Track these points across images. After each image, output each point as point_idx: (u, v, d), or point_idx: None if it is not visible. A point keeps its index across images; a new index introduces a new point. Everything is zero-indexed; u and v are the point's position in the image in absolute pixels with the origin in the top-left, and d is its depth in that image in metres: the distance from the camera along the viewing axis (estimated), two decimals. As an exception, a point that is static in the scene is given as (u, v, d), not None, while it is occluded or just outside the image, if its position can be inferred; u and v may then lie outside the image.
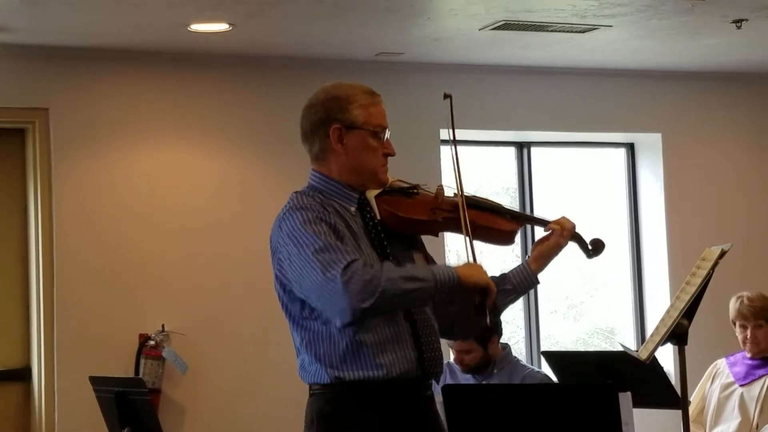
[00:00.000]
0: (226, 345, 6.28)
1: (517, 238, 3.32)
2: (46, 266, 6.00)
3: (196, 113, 6.37)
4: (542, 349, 7.11)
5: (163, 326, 6.12)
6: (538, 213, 3.39)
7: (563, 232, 3.24)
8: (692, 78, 7.38)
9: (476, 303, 2.96)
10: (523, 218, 3.35)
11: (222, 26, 5.73)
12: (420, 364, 3.00)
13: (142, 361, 6.01)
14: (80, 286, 6.04)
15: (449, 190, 3.21)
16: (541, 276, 3.26)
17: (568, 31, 6.10)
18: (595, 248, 3.33)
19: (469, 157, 7.18)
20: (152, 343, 6.04)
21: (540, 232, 3.36)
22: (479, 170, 7.36)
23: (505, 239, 3.25)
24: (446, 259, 6.63)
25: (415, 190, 3.20)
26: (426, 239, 3.25)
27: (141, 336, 6.08)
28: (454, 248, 6.74)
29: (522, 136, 7.27)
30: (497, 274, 3.23)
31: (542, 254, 3.24)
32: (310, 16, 5.61)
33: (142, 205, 6.22)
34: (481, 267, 2.98)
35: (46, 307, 5.99)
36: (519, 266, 3.26)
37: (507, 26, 5.92)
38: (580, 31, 6.11)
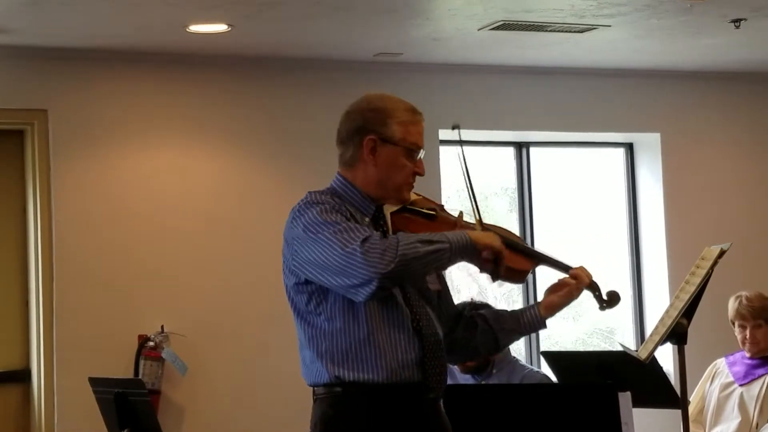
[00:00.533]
0: (225, 346, 6.28)
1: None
2: (46, 267, 6.00)
3: (195, 114, 6.37)
4: (542, 349, 7.10)
5: (162, 327, 6.12)
6: (557, 256, 3.31)
7: (579, 286, 3.21)
8: (691, 78, 7.38)
9: (490, 269, 3.00)
10: (541, 259, 3.25)
11: (221, 27, 5.73)
12: (422, 371, 3.00)
13: (142, 362, 6.00)
14: (79, 288, 6.04)
15: (469, 218, 3.18)
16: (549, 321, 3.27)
17: (566, 31, 6.10)
18: (609, 300, 3.27)
19: (468, 158, 7.17)
20: (152, 344, 6.04)
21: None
22: (478, 171, 7.36)
23: (518, 277, 3.20)
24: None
25: (435, 213, 3.17)
26: None
27: (140, 337, 6.08)
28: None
29: (521, 136, 7.27)
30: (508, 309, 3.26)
31: (555, 304, 3.22)
32: (309, 17, 5.61)
33: (142, 206, 6.21)
34: (493, 234, 3.03)
35: (45, 308, 5.99)
36: (529, 308, 3.24)
37: (506, 26, 5.92)
38: (578, 31, 6.11)
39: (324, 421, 2.98)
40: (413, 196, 3.16)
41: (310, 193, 3.05)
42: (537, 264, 3.24)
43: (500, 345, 3.25)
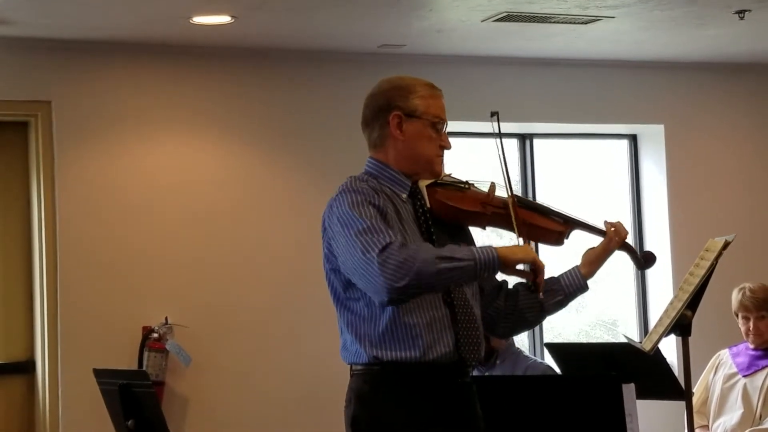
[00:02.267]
0: (229, 337, 6.29)
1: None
2: (50, 259, 6.00)
3: (199, 106, 6.36)
4: (545, 340, 7.11)
5: (166, 319, 6.12)
6: (592, 220, 3.38)
7: (615, 237, 3.29)
8: (695, 69, 7.37)
9: (528, 283, 3.04)
10: (573, 223, 3.34)
11: (224, 18, 5.73)
12: (457, 349, 3.05)
13: (146, 353, 6.01)
14: (83, 279, 6.05)
15: (501, 190, 3.26)
16: (590, 282, 3.30)
17: (570, 23, 6.09)
18: (646, 260, 3.41)
19: (471, 150, 7.18)
20: (156, 335, 6.05)
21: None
22: (481, 162, 7.35)
23: (554, 239, 3.29)
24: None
25: (467, 186, 3.27)
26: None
27: (144, 328, 6.08)
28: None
29: (525, 128, 7.26)
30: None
31: (592, 259, 3.31)
32: (312, 9, 5.60)
33: (146, 198, 6.22)
34: (528, 246, 3.05)
35: (49, 299, 6.00)
36: (569, 270, 3.31)
37: (509, 18, 5.91)
38: (582, 23, 6.10)
39: (359, 396, 3.05)
40: (443, 172, 3.24)
41: (349, 178, 3.11)
42: (571, 227, 3.32)
43: (545, 307, 3.28)
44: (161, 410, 4.79)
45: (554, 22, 6.07)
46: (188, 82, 6.37)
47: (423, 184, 3.20)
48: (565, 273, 3.30)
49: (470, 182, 3.30)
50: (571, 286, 3.28)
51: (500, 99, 6.96)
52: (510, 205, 3.18)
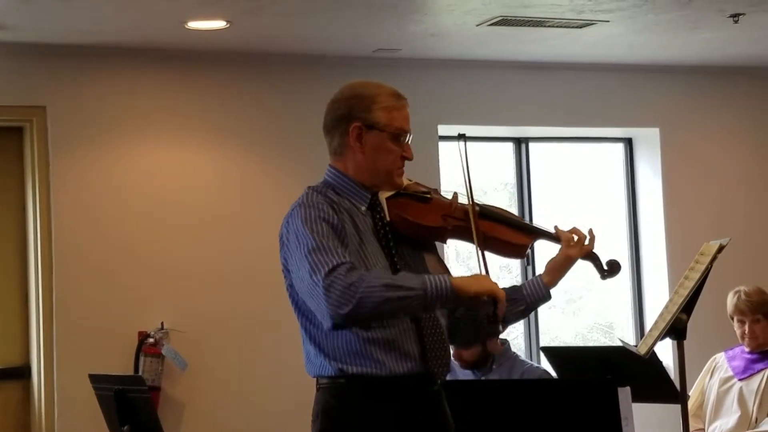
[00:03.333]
0: (225, 342, 6.28)
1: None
2: (45, 264, 6.00)
3: (194, 110, 6.36)
4: (541, 344, 7.11)
5: (162, 324, 6.12)
6: (549, 227, 3.33)
7: (574, 243, 3.24)
8: (690, 72, 7.38)
9: (488, 313, 2.89)
10: (537, 233, 3.29)
11: (219, 23, 5.73)
12: (424, 363, 3.00)
13: (142, 358, 6.01)
14: (79, 284, 6.04)
15: (464, 198, 3.19)
16: (553, 291, 3.26)
17: (565, 27, 6.10)
18: (610, 269, 3.30)
19: (469, 153, 7.17)
20: (151, 340, 6.04)
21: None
22: (477, 166, 7.36)
23: (516, 252, 3.23)
24: (445, 256, 6.63)
25: (429, 195, 3.20)
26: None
27: (140, 333, 6.08)
28: (455, 248, 6.74)
29: (520, 131, 7.27)
30: (508, 286, 3.22)
31: (554, 267, 3.25)
32: (307, 13, 5.61)
33: (141, 203, 6.21)
34: (487, 277, 2.94)
35: (45, 304, 5.99)
36: (532, 279, 3.26)
37: (504, 22, 5.92)
38: (577, 27, 6.11)
39: (326, 411, 3.00)
40: (406, 182, 3.18)
41: (306, 190, 3.06)
42: (534, 238, 3.26)
43: (506, 317, 3.17)
44: (157, 415, 4.79)
45: (549, 26, 6.07)
46: (184, 86, 6.36)
47: (383, 196, 3.13)
48: (528, 282, 3.24)
49: (434, 190, 3.22)
50: (534, 295, 3.22)
51: (495, 103, 6.97)
52: (471, 216, 3.09)
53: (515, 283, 3.24)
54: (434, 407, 3.04)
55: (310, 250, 2.85)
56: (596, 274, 3.32)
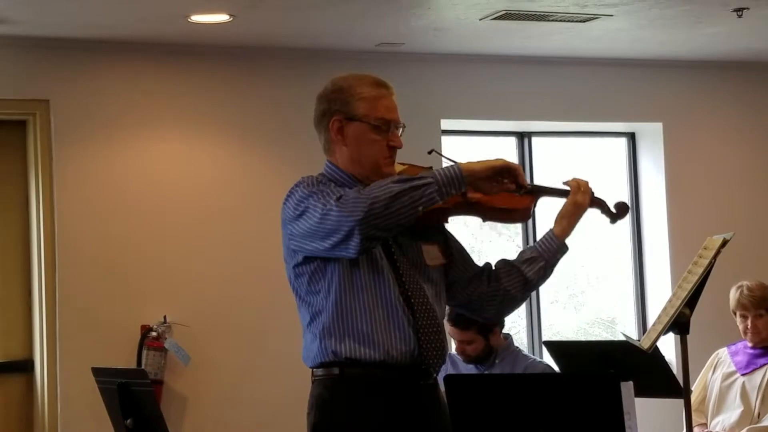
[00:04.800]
0: (228, 336, 6.29)
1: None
2: (48, 258, 6.01)
3: (197, 104, 6.36)
4: (544, 338, 7.11)
5: (165, 317, 6.12)
6: (553, 184, 3.32)
7: (580, 187, 3.21)
8: (693, 67, 7.38)
9: (515, 189, 2.93)
10: (537, 191, 3.24)
11: (222, 17, 5.73)
12: (420, 353, 3.00)
13: (144, 352, 6.02)
14: (82, 278, 6.05)
15: None
16: (569, 242, 3.22)
17: (569, 21, 6.09)
18: (619, 211, 3.30)
19: (470, 148, 7.18)
20: (154, 334, 6.05)
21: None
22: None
23: (521, 216, 3.22)
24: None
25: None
26: None
27: (143, 327, 6.09)
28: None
29: (523, 126, 7.27)
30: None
31: (563, 215, 3.21)
32: (310, 7, 5.60)
33: (144, 196, 6.22)
34: (491, 159, 2.95)
35: (48, 298, 6.00)
36: (543, 235, 3.24)
37: (508, 16, 5.91)
38: (580, 21, 6.11)
39: (319, 404, 3.00)
40: (400, 167, 3.15)
41: (302, 177, 3.09)
42: (536, 196, 3.22)
43: (528, 278, 3.19)
44: (160, 409, 4.79)
45: (552, 21, 6.07)
46: (187, 80, 6.36)
47: None
48: (540, 240, 3.22)
49: (429, 167, 3.17)
50: (549, 250, 3.19)
51: (498, 97, 6.97)
52: (467, 191, 3.03)
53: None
54: (429, 401, 3.05)
55: (317, 198, 2.89)
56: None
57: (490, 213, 3.16)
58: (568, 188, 3.24)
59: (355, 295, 2.97)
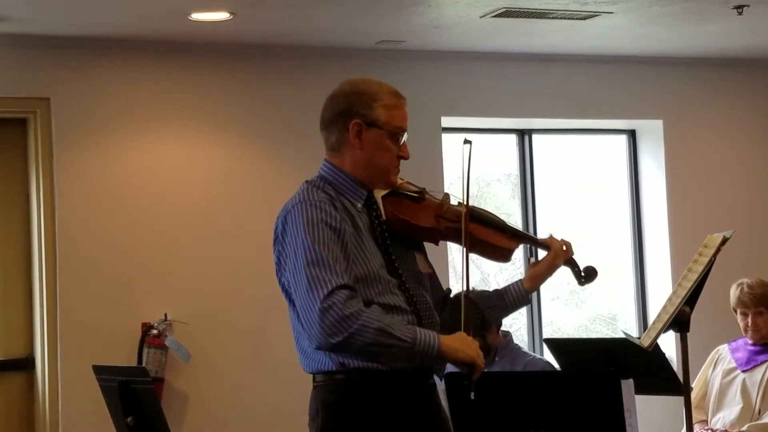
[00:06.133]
0: (228, 334, 6.29)
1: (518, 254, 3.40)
2: (49, 256, 6.01)
3: (198, 102, 6.37)
4: (544, 336, 7.12)
5: (165, 315, 6.13)
6: (538, 234, 3.43)
7: (561, 249, 3.31)
8: (694, 64, 7.37)
9: (463, 374, 2.96)
10: (523, 238, 3.39)
11: (223, 15, 5.73)
12: None
13: (145, 350, 6.02)
14: (83, 276, 6.05)
15: (455, 200, 3.24)
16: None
17: (569, 18, 6.09)
18: (587, 276, 3.40)
19: (472, 150, 7.17)
20: (155, 332, 6.05)
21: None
22: (481, 158, 7.36)
23: (502, 256, 3.32)
24: (448, 265, 6.63)
25: (421, 195, 3.23)
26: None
27: (144, 325, 6.09)
28: (455, 254, 6.74)
29: (523, 123, 7.27)
30: (491, 289, 3.33)
31: (536, 274, 3.31)
32: (311, 5, 5.60)
33: (145, 194, 6.22)
34: (471, 341, 2.96)
35: (48, 296, 6.00)
36: (514, 284, 3.31)
37: (508, 13, 5.91)
38: (581, 18, 6.11)
39: (326, 408, 2.99)
40: (399, 181, 3.20)
41: (304, 184, 3.05)
42: (521, 242, 3.35)
43: (486, 322, 3.29)
44: (161, 407, 4.79)
45: (553, 18, 6.07)
46: (187, 78, 6.36)
47: (378, 194, 3.15)
48: (510, 288, 3.30)
49: (425, 190, 3.26)
50: (515, 302, 3.30)
51: (499, 95, 6.97)
52: (462, 218, 3.13)
53: (502, 285, 3.32)
54: (430, 401, 3.06)
55: (310, 262, 2.85)
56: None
57: (479, 246, 3.24)
58: (547, 244, 3.34)
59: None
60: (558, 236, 3.36)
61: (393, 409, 2.97)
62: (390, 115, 3.05)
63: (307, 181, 3.08)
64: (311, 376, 3.07)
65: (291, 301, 3.03)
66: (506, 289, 3.30)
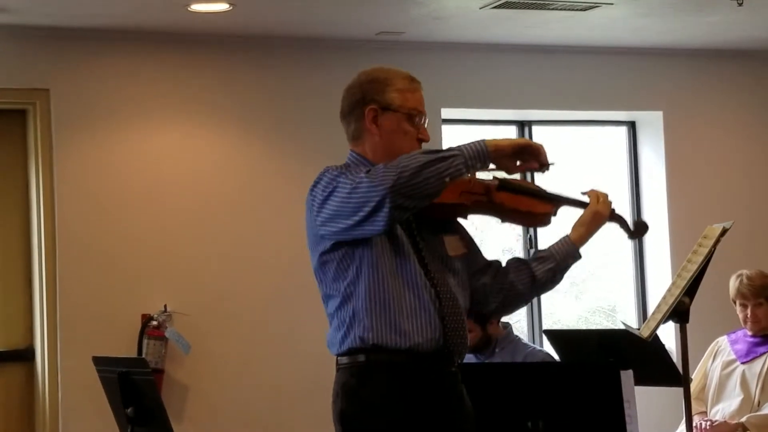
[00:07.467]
0: (228, 325, 6.30)
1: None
2: (49, 247, 6.01)
3: (197, 93, 6.36)
4: (544, 327, 7.12)
5: (165, 306, 6.13)
6: (576, 194, 3.37)
7: (598, 198, 3.28)
8: (694, 55, 7.37)
9: (537, 168, 3.02)
10: (559, 200, 3.31)
11: (222, 6, 5.72)
12: (444, 339, 3.03)
13: (145, 341, 6.02)
14: (82, 267, 6.05)
15: (482, 174, 3.21)
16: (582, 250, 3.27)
17: (569, 9, 6.08)
18: (637, 229, 3.36)
19: (470, 137, 7.17)
20: (155, 323, 6.06)
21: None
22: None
23: (540, 221, 3.27)
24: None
25: None
26: None
27: (144, 316, 6.09)
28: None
29: (523, 114, 7.26)
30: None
31: (581, 222, 3.27)
32: (311, -4, 5.60)
33: (144, 185, 6.22)
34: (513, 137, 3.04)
35: (48, 287, 6.00)
36: (559, 239, 3.28)
37: (507, 4, 5.90)
38: (581, 9, 6.10)
39: (346, 390, 3.04)
40: None
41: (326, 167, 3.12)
42: (557, 205, 3.28)
43: (536, 276, 3.23)
44: (160, 398, 4.80)
45: (552, 9, 6.06)
46: (187, 69, 6.36)
47: None
48: (555, 242, 3.27)
49: None
50: (561, 252, 3.23)
51: (498, 86, 6.96)
52: (492, 191, 3.14)
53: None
54: (452, 388, 3.08)
55: (346, 177, 2.95)
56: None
57: (511, 215, 3.22)
58: (587, 200, 3.30)
59: (384, 280, 3.00)
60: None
61: (412, 394, 2.99)
62: (404, 98, 3.13)
63: (328, 167, 3.12)
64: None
65: (322, 282, 3.09)
66: (551, 245, 3.26)
